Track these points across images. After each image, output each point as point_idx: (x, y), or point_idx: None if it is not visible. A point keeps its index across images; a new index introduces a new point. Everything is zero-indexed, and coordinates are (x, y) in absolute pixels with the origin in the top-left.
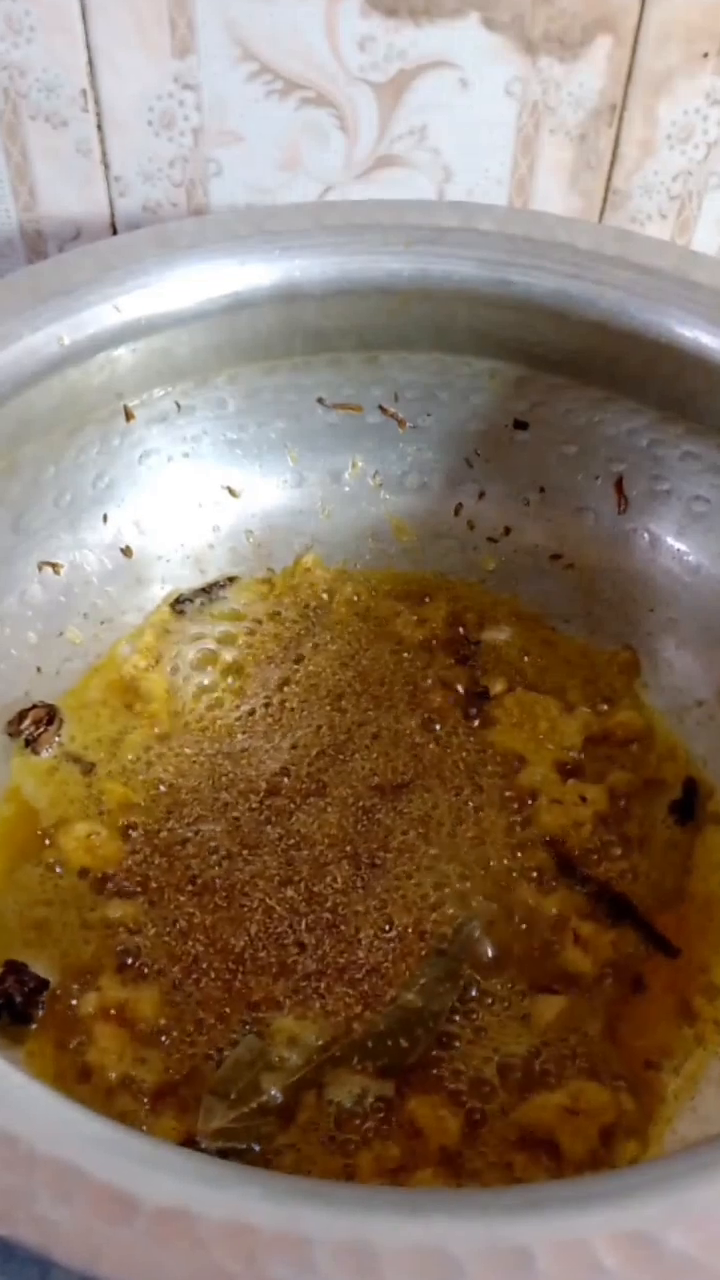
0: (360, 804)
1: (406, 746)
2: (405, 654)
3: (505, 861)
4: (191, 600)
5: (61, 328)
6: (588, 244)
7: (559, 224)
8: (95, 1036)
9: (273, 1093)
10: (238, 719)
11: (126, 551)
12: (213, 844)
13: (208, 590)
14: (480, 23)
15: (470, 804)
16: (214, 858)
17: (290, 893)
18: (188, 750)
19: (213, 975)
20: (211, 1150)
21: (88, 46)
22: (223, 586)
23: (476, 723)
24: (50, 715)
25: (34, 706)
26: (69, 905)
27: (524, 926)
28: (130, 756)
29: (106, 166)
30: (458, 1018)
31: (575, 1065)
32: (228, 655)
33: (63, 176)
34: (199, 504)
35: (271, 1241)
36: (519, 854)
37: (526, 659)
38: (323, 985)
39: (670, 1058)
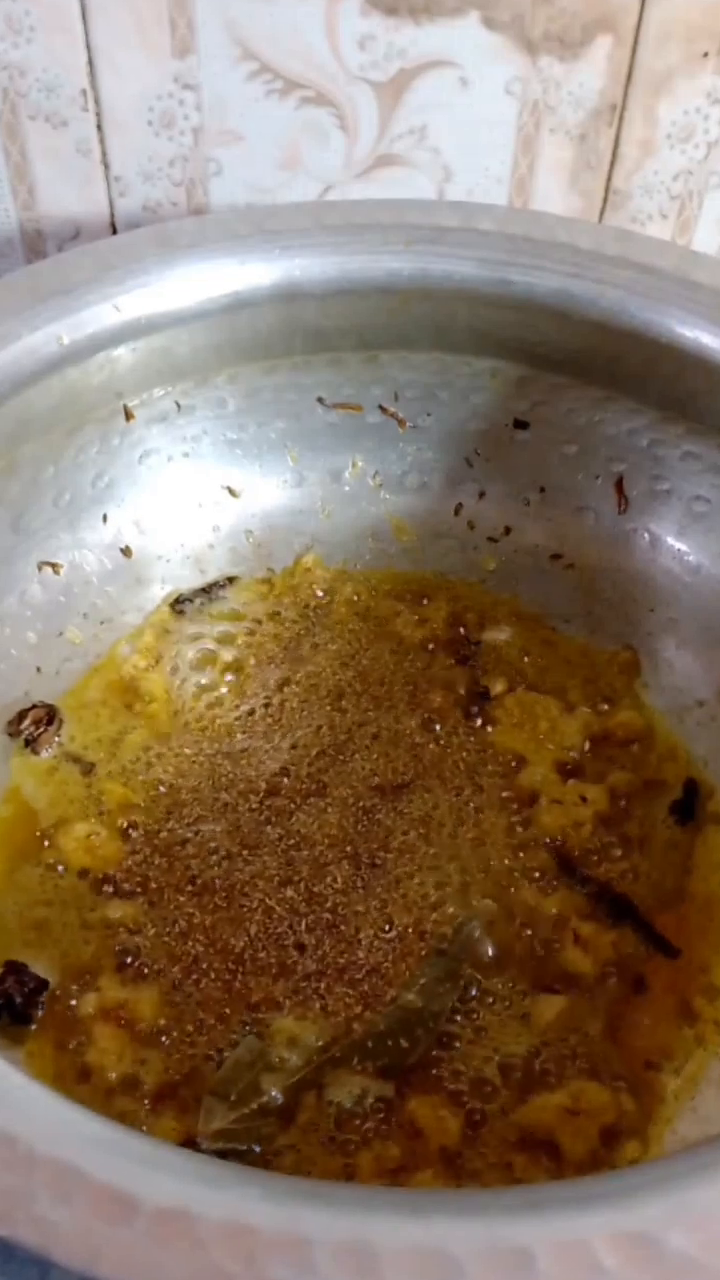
0: (360, 804)
1: (407, 747)
2: (405, 654)
3: (506, 862)
4: (191, 600)
5: (61, 327)
6: (588, 244)
7: (559, 224)
8: (95, 1037)
9: (273, 1093)
10: (237, 719)
11: (126, 551)
12: (213, 844)
13: (208, 590)
14: (480, 22)
15: (470, 804)
16: (214, 858)
17: (290, 893)
18: (187, 750)
19: (212, 976)
20: (211, 1151)
21: (88, 46)
22: (223, 586)
23: (477, 723)
24: (50, 715)
25: (34, 706)
26: (69, 905)
27: (524, 927)
28: (130, 757)
29: (106, 166)
30: (458, 1017)
31: (575, 1065)
32: (227, 655)
33: (62, 176)
34: (199, 504)
35: (271, 1242)
36: (519, 854)
37: (527, 659)
38: (323, 986)
39: (671, 1058)
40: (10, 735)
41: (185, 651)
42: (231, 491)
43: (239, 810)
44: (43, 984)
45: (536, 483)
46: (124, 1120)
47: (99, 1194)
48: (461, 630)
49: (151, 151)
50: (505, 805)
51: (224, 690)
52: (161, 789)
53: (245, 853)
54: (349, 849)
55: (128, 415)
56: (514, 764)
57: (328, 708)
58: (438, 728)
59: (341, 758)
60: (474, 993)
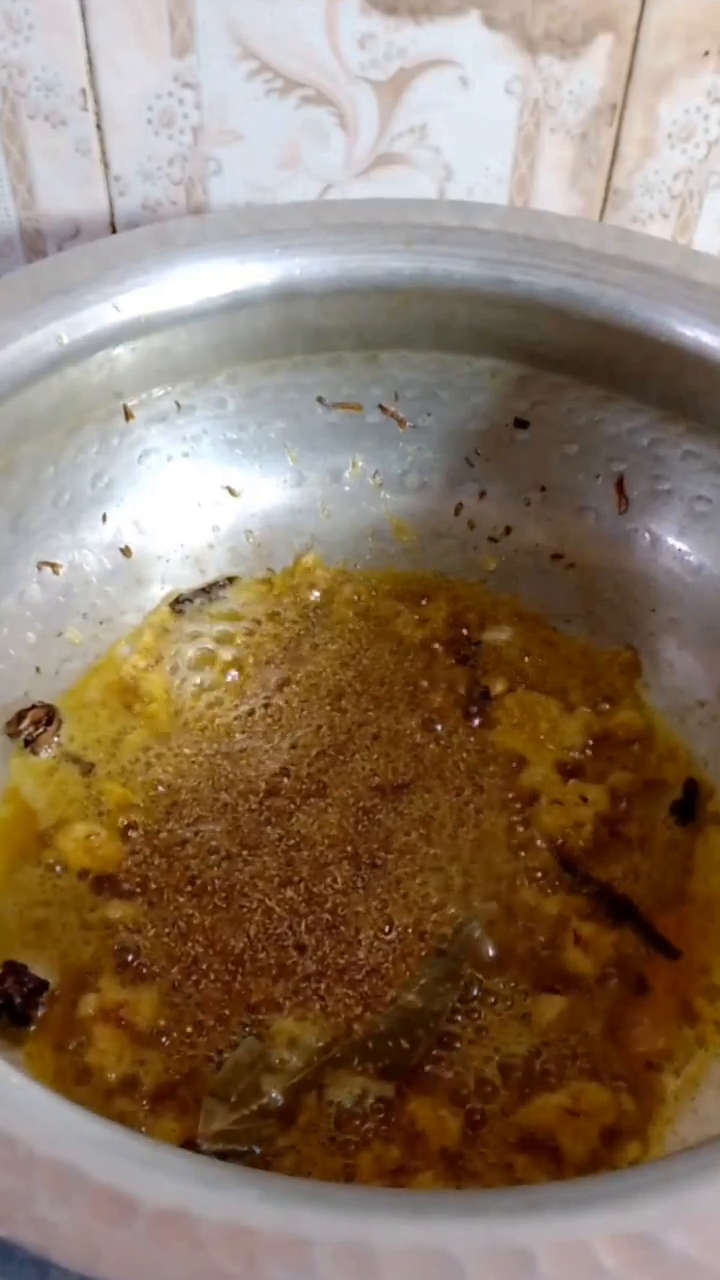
0: (360, 804)
1: (407, 747)
2: (406, 654)
3: (506, 862)
4: (191, 600)
5: (60, 326)
6: (588, 243)
7: (560, 223)
8: (94, 1038)
9: (273, 1095)
10: (237, 719)
11: (126, 551)
12: (212, 844)
13: (207, 590)
14: (481, 21)
15: (471, 805)
16: (214, 858)
17: (290, 893)
18: (187, 751)
19: (212, 976)
20: (212, 1152)
21: (87, 45)
22: (222, 586)
23: (477, 723)
24: (49, 715)
25: (33, 707)
26: (68, 906)
27: (525, 927)
28: (130, 757)
29: (106, 165)
30: (459, 1017)
31: (576, 1066)
32: (227, 655)
33: (62, 175)
34: (199, 504)
35: (271, 1243)
36: (520, 854)
37: (527, 659)
38: (323, 986)
39: (671, 1059)
40: (10, 735)
41: (185, 651)
42: (231, 491)
43: (239, 810)
44: (42, 984)
45: (537, 482)
46: (123, 1121)
47: (99, 1195)
48: (462, 630)
49: (151, 151)
50: (506, 805)
51: (224, 690)
52: (161, 789)
53: (245, 853)
54: (349, 849)
55: (127, 415)
56: (514, 764)
57: (328, 708)
58: (438, 728)
59: (342, 758)
60: (475, 992)
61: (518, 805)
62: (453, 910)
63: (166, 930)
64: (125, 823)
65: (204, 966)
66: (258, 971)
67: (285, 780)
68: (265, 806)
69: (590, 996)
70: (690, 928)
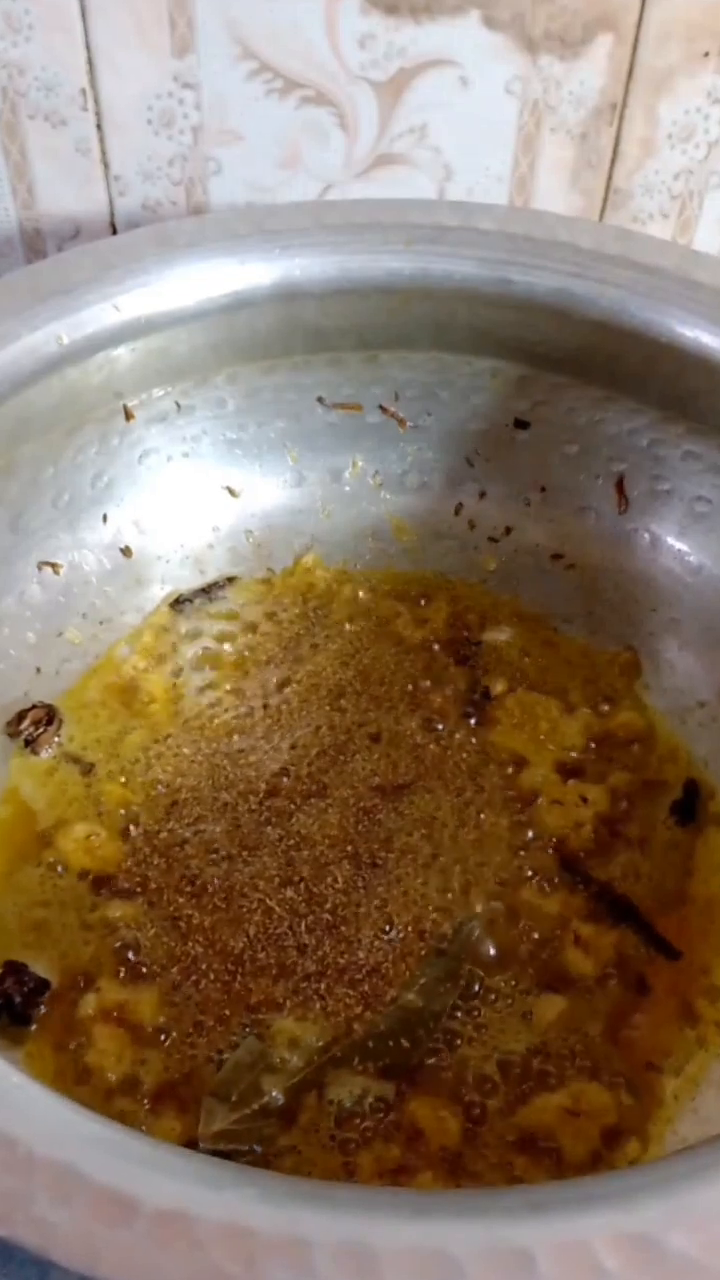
0: (361, 804)
1: (407, 747)
2: (406, 654)
3: (506, 862)
4: (191, 600)
5: (60, 327)
6: (589, 243)
7: (560, 223)
8: (94, 1038)
9: (274, 1094)
10: (237, 719)
11: (126, 551)
12: (212, 845)
13: (207, 590)
14: (481, 21)
15: (471, 805)
16: (213, 858)
17: (290, 893)
18: (187, 751)
19: (212, 976)
20: (212, 1152)
21: (87, 45)
22: (222, 586)
23: (477, 723)
24: (49, 715)
25: (33, 707)
26: (68, 906)
27: (525, 927)
28: (129, 757)
29: (106, 165)
30: (459, 1015)
31: (576, 1066)
32: (227, 655)
33: (62, 175)
34: (199, 504)
35: (271, 1243)
36: (520, 855)
37: (527, 659)
38: (323, 986)
39: (671, 1059)
40: (10, 735)
41: (185, 651)
42: (231, 491)
43: (239, 810)
44: (42, 984)
45: (537, 482)
46: (123, 1121)
47: (98, 1195)
48: (462, 630)
49: (151, 151)
50: (506, 806)
51: (224, 690)
52: (161, 789)
53: (245, 853)
54: (349, 849)
55: (127, 415)
56: (515, 764)
57: (328, 708)
58: (438, 728)
59: (342, 758)
60: (476, 989)
61: (518, 805)
62: (453, 910)
63: (166, 930)
64: (125, 823)
65: (204, 966)
66: (258, 971)
67: (285, 780)
68: (265, 806)
69: (590, 997)
70: (690, 928)
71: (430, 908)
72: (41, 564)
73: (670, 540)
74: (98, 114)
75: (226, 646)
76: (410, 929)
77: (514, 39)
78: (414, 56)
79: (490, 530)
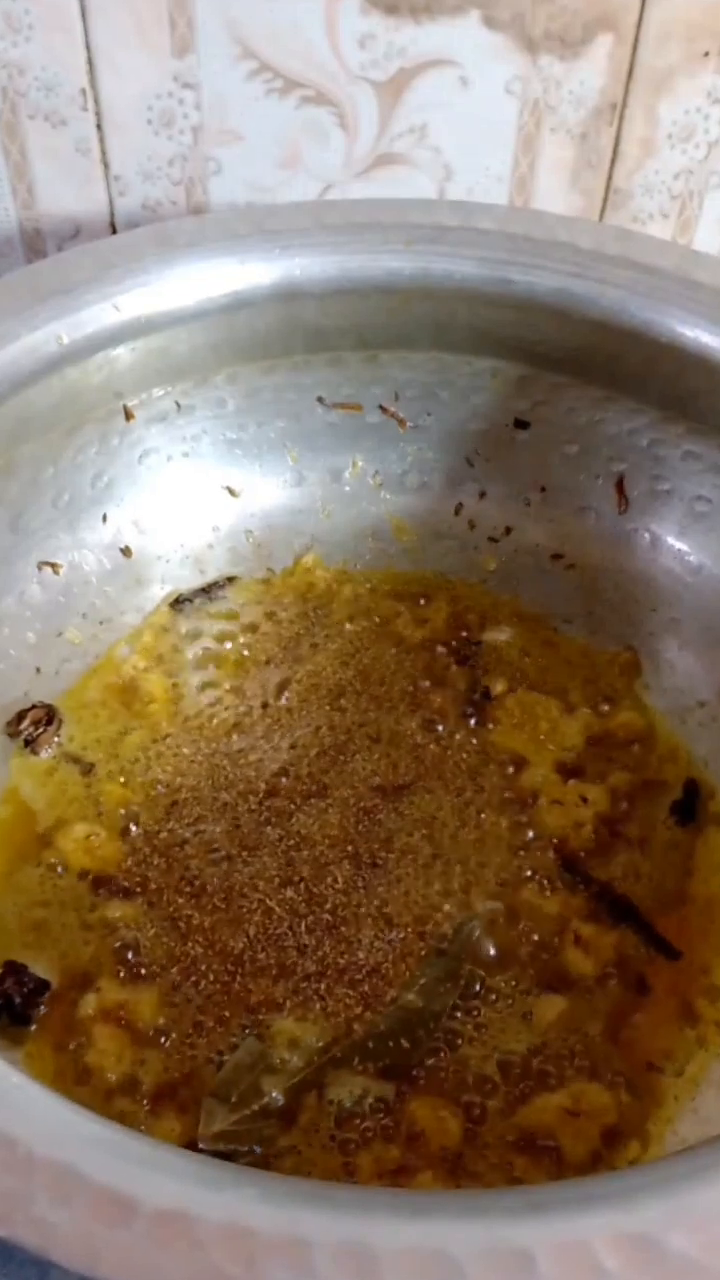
0: (361, 804)
1: (407, 747)
2: (406, 654)
3: (507, 862)
4: (191, 600)
5: (60, 326)
6: (589, 243)
7: (560, 223)
8: (94, 1038)
9: (274, 1095)
10: (237, 719)
11: (126, 551)
12: (212, 845)
13: (207, 590)
14: (481, 21)
15: (471, 805)
16: (213, 858)
17: (290, 893)
18: (187, 751)
19: (212, 977)
20: (212, 1153)
21: (87, 45)
22: (222, 586)
23: (477, 723)
24: (49, 715)
25: (33, 707)
26: (68, 906)
27: (525, 927)
28: (129, 757)
29: (106, 165)
30: (459, 1015)
31: (576, 1066)
32: (227, 655)
33: (62, 175)
34: (199, 504)
35: (271, 1243)
36: (520, 854)
37: (527, 659)
38: (323, 986)
39: (671, 1059)
40: (9, 735)
41: (185, 651)
42: (231, 491)
43: (239, 810)
44: (42, 985)
45: (537, 482)
46: (123, 1121)
47: (98, 1195)
48: (462, 631)
49: (151, 151)
50: (506, 806)
51: (224, 690)
52: (161, 789)
53: (245, 853)
54: (349, 849)
55: (127, 415)
56: (515, 764)
57: (328, 708)
58: (438, 728)
59: (342, 758)
60: (476, 989)
61: (518, 805)
62: (453, 910)
63: (166, 930)
64: (125, 823)
65: (204, 967)
66: (258, 971)
67: (285, 780)
68: (265, 806)
69: (590, 997)
70: (690, 928)
71: (430, 908)
72: (41, 564)
73: (670, 540)
74: (98, 114)
75: (226, 646)
76: (410, 929)
77: (514, 39)
78: (414, 56)
79: (490, 530)
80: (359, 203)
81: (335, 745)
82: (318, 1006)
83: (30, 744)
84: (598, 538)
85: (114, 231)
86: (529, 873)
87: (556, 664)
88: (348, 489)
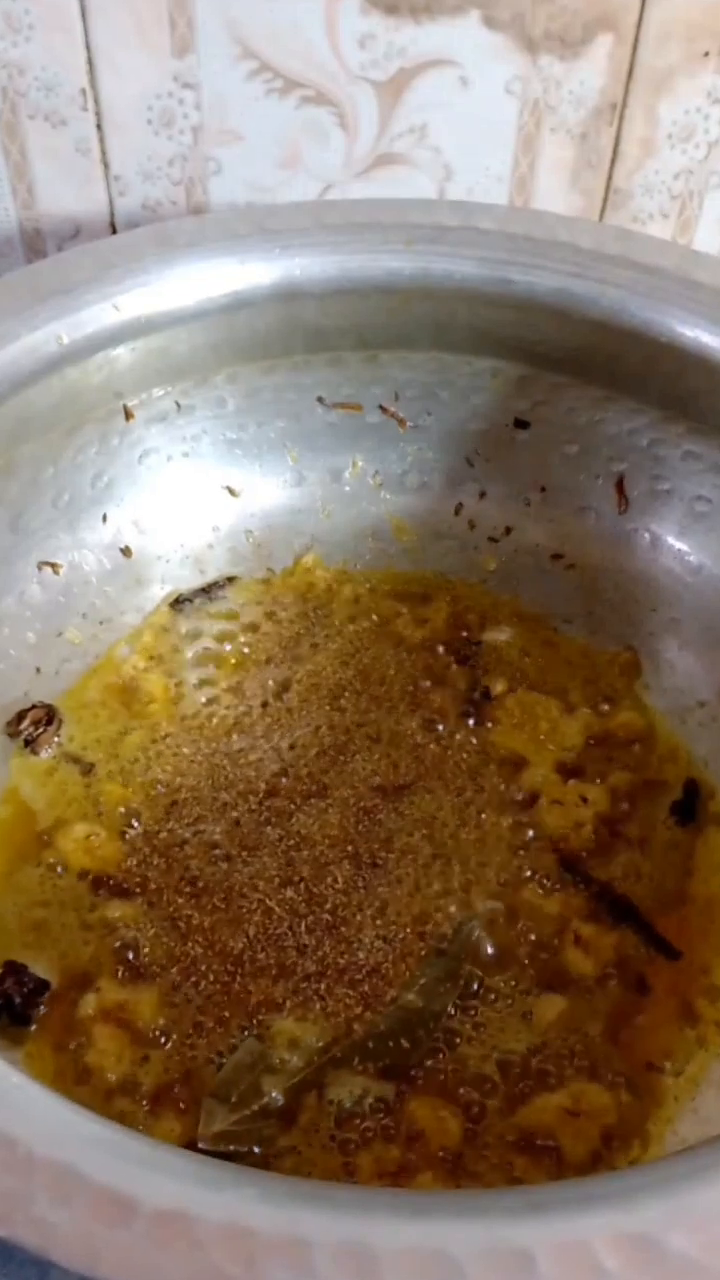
0: (361, 804)
1: (407, 747)
2: (406, 654)
3: (507, 862)
4: (191, 600)
5: (60, 326)
6: (589, 243)
7: (560, 223)
8: (94, 1038)
9: (273, 1095)
10: (237, 719)
11: (126, 551)
12: (212, 845)
13: (207, 590)
14: (481, 21)
15: (472, 805)
16: (213, 858)
17: (290, 894)
18: (187, 751)
19: (212, 977)
20: (212, 1153)
21: (87, 45)
22: (222, 586)
23: (477, 723)
24: (49, 715)
25: (33, 707)
26: (68, 906)
27: (525, 927)
28: (129, 757)
29: (106, 165)
30: (459, 1015)
31: (576, 1066)
32: (227, 655)
33: (62, 175)
34: (199, 504)
35: (271, 1244)
36: (520, 854)
37: (527, 659)
38: (323, 986)
39: (671, 1059)
40: (9, 735)
41: (185, 651)
42: (231, 491)
43: (239, 810)
44: (42, 985)
45: (537, 482)
46: (123, 1121)
47: (98, 1195)
48: (462, 631)
49: (151, 151)
50: (506, 806)
51: (223, 690)
52: (161, 789)
53: (245, 853)
54: (349, 849)
55: (127, 415)
56: (515, 764)
57: (328, 708)
58: (438, 728)
59: (342, 758)
60: (476, 989)
61: (518, 805)
62: (453, 910)
63: (166, 930)
64: (125, 823)
65: (204, 967)
66: (258, 972)
67: (285, 780)
68: (265, 806)
69: (590, 997)
70: (691, 928)
71: (430, 908)
72: (41, 564)
73: (670, 540)
74: (98, 114)
75: (226, 646)
76: (410, 929)
77: (514, 39)
78: (414, 56)
79: (490, 530)
80: (359, 203)
81: (335, 745)
82: (318, 1006)
83: (30, 744)
84: (598, 538)
85: (114, 231)
86: (529, 873)
87: (556, 664)
88: (348, 489)
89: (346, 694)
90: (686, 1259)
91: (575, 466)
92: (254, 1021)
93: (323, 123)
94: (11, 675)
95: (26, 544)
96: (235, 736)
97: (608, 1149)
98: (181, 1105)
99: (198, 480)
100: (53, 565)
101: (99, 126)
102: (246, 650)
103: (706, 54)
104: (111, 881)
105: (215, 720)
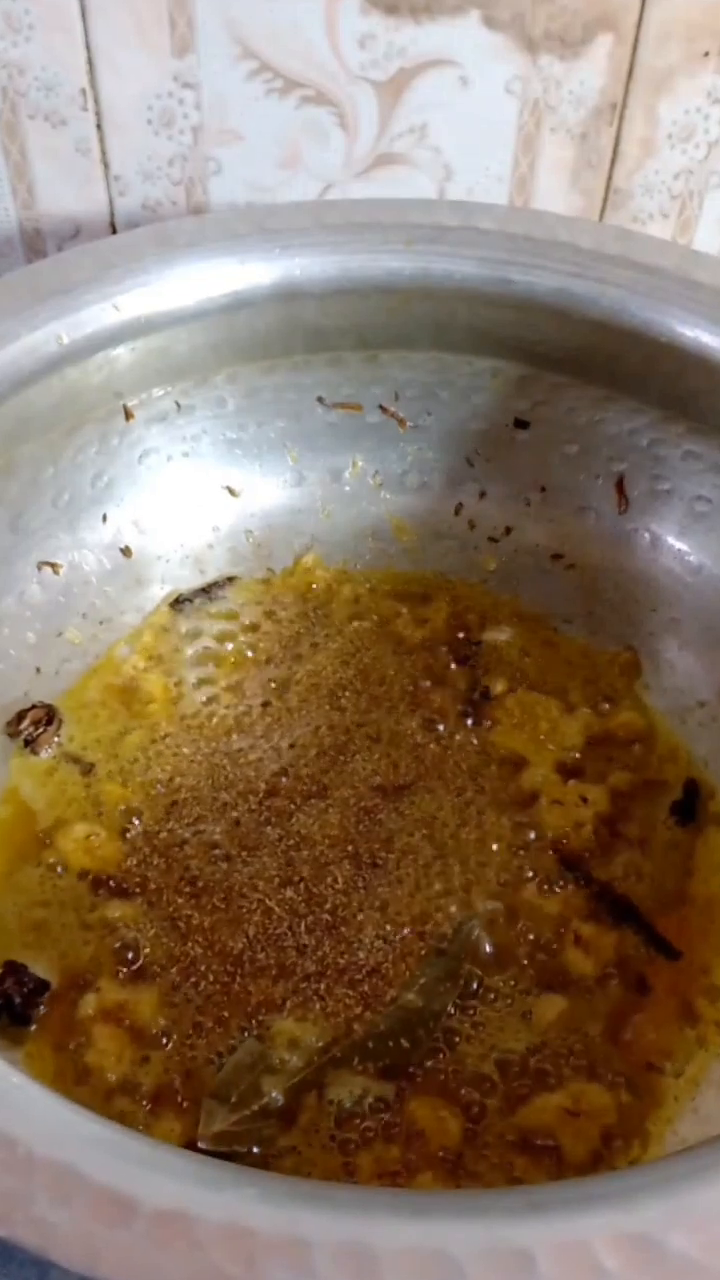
0: (361, 804)
1: (408, 747)
2: (406, 654)
3: (507, 862)
4: (191, 600)
5: (60, 326)
6: (589, 243)
7: (560, 223)
8: (94, 1038)
9: (273, 1095)
10: (237, 719)
11: (126, 551)
12: (212, 845)
13: (207, 590)
14: (481, 21)
15: (472, 805)
16: (213, 858)
17: (290, 894)
18: (186, 750)
19: (211, 977)
20: (212, 1154)
21: (87, 45)
22: (222, 586)
23: (477, 723)
24: (49, 715)
25: (33, 707)
26: (68, 906)
27: (525, 927)
28: (129, 757)
29: (106, 165)
30: (459, 1015)
31: (576, 1065)
32: (227, 655)
33: (62, 175)
34: (199, 504)
35: (271, 1244)
36: (521, 854)
37: (527, 659)
38: (323, 986)
39: (671, 1059)
40: (10, 735)
41: (185, 651)
42: (231, 491)
43: (239, 810)
44: (42, 985)
45: (537, 482)
46: (123, 1122)
47: (98, 1195)
48: (462, 631)
49: (151, 150)
50: (506, 806)
51: (223, 690)
52: (161, 789)
53: (245, 853)
54: (349, 849)
55: (127, 415)
56: (515, 764)
57: (328, 708)
58: (439, 728)
59: (342, 758)
60: (476, 989)
61: (518, 805)
62: (453, 910)
63: (166, 931)
64: (124, 823)
65: (203, 967)
66: (257, 972)
67: (285, 780)
68: (265, 806)
69: (591, 997)
70: (691, 928)
71: (430, 908)
72: (41, 564)
73: (670, 540)
74: (98, 114)
75: (227, 646)
76: (410, 929)
77: (514, 39)
78: (414, 56)
79: (490, 530)
80: (359, 203)
81: (335, 745)
82: (318, 1006)
83: (30, 744)
84: (598, 538)
85: (114, 231)
86: (529, 873)
87: (556, 664)
88: (348, 489)
89: (346, 694)
90: (686, 1259)
91: (575, 466)
92: (254, 1021)
93: (323, 123)
94: (11, 675)
95: (26, 544)
96: (235, 736)
97: (608, 1149)
98: (181, 1105)
99: (198, 480)
100: (53, 565)
101: (99, 126)
102: (246, 650)
103: (706, 54)
104: (111, 881)
105: (215, 720)
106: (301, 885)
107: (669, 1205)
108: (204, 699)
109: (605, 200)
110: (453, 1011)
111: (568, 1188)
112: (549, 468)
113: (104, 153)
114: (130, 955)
